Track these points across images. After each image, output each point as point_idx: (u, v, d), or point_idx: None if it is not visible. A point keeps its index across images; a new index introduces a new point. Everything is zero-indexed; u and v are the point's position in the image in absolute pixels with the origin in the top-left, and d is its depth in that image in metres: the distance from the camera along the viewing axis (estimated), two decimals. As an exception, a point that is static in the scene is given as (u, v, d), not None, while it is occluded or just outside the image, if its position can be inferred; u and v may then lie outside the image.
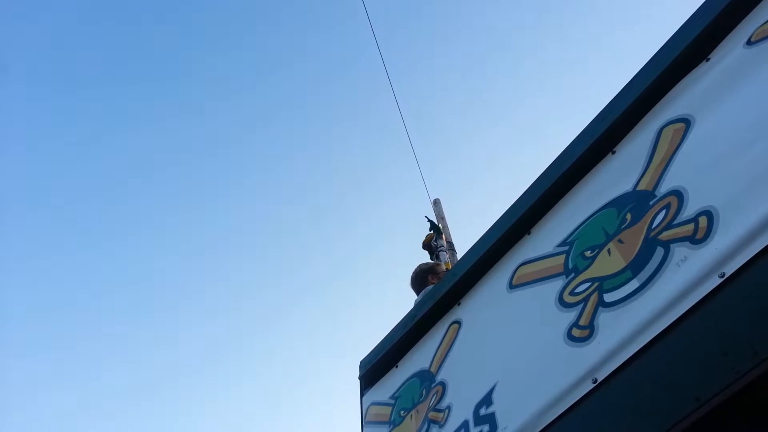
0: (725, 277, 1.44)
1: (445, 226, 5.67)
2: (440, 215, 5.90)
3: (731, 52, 1.81)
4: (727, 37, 1.85)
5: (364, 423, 2.54)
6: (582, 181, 2.13)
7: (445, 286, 2.53)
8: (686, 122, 1.84)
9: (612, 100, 2.14)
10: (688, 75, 1.91)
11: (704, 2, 1.98)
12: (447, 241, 5.14)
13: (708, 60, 1.87)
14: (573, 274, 1.91)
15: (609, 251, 1.82)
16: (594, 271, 1.84)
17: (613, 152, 2.06)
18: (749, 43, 1.76)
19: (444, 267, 4.04)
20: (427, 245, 5.03)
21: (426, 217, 5.30)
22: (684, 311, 1.48)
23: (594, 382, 1.59)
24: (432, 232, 5.07)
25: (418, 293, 3.41)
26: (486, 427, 1.83)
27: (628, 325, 1.60)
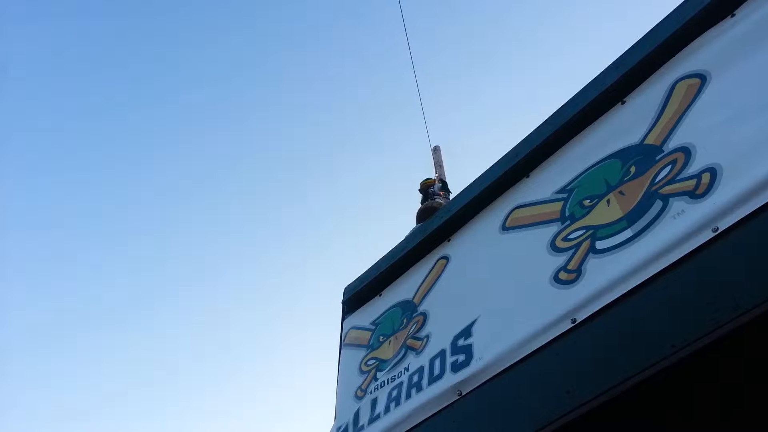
0: (718, 231, 1.44)
1: (443, 174, 5.65)
2: (439, 163, 5.86)
3: (758, 9, 1.76)
4: None
5: (342, 345, 2.59)
6: (588, 129, 2.11)
7: (436, 221, 2.54)
8: (702, 78, 1.80)
9: (628, 49, 2.09)
10: (711, 29, 1.86)
11: None
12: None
13: (733, 15, 1.82)
14: (569, 222, 1.90)
15: (608, 202, 1.81)
16: (590, 219, 1.83)
17: (623, 102, 2.03)
18: None
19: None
20: (424, 189, 4.99)
21: (439, 177, 5.23)
22: (673, 261, 1.49)
23: (573, 322, 1.61)
24: (432, 179, 5.01)
25: None
26: (462, 357, 1.86)
27: (615, 271, 1.60)
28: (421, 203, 4.13)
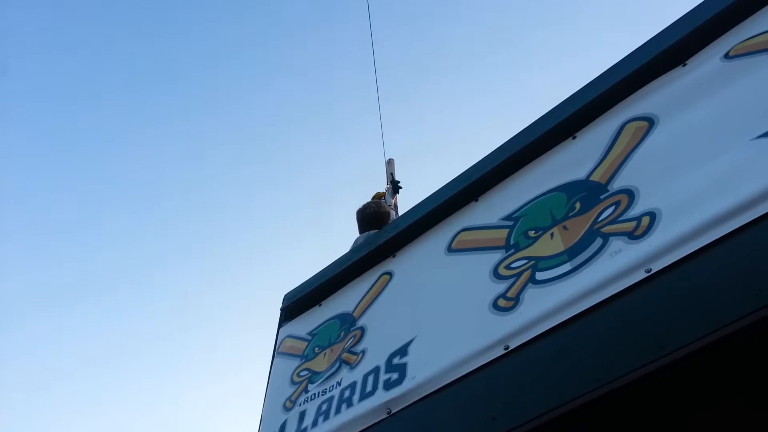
0: (651, 272, 1.48)
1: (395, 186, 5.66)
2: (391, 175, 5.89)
3: (708, 61, 1.83)
4: (707, 46, 1.87)
5: (275, 353, 2.55)
6: (538, 159, 2.15)
7: (383, 236, 2.54)
8: (650, 121, 1.86)
9: (583, 86, 2.15)
10: (663, 76, 1.93)
11: (690, 11, 2.01)
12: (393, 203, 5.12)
13: (684, 65, 1.90)
14: (513, 250, 1.93)
15: (552, 235, 1.84)
16: (533, 250, 1.86)
17: (574, 137, 2.08)
18: (727, 56, 1.79)
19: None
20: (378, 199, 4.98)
21: (392, 174, 5.23)
22: (605, 297, 1.52)
23: (505, 349, 1.63)
24: (389, 188, 5.01)
25: (362, 229, 3.33)
26: (395, 375, 1.86)
27: (550, 302, 1.63)
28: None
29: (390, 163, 5.77)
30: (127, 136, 11.92)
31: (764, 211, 1.38)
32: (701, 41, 1.89)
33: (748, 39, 1.78)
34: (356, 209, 3.45)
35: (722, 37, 1.87)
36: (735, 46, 1.80)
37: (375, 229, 3.11)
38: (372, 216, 3.30)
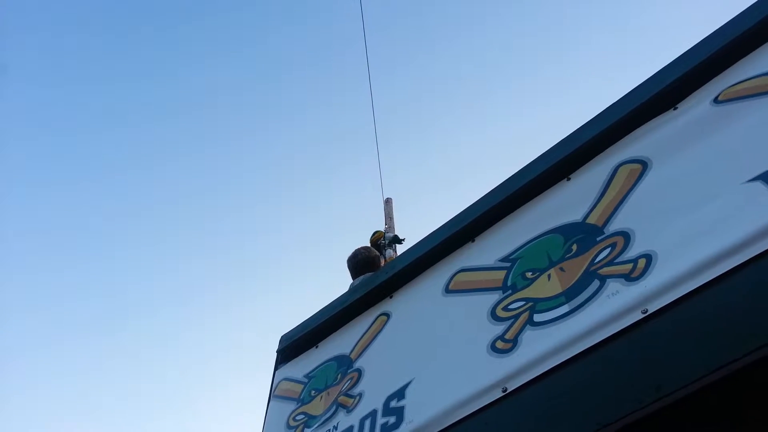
0: (647, 313, 1.49)
1: (392, 227, 5.68)
2: (389, 215, 5.90)
3: (698, 105, 1.87)
4: (697, 90, 1.91)
5: (271, 396, 2.52)
6: (533, 200, 2.17)
7: (380, 277, 2.54)
8: (643, 164, 1.89)
9: (577, 128, 2.19)
10: (654, 119, 1.96)
11: (680, 55, 2.06)
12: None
13: (675, 108, 1.94)
14: (510, 291, 1.93)
15: (549, 276, 1.85)
16: (530, 292, 1.87)
17: (569, 179, 2.11)
18: (716, 101, 1.83)
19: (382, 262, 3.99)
20: (375, 243, 4.99)
21: (391, 218, 5.25)
22: (603, 338, 1.52)
23: (503, 391, 1.62)
24: (382, 232, 5.01)
25: (354, 276, 3.35)
26: (393, 419, 1.83)
27: (548, 343, 1.63)
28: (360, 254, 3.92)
29: (388, 202, 5.79)
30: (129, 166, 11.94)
31: (756, 252, 1.39)
32: (691, 85, 1.94)
33: (736, 84, 1.82)
34: (346, 257, 3.47)
35: (712, 81, 1.91)
36: (724, 90, 1.84)
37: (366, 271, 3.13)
38: (363, 262, 3.34)
